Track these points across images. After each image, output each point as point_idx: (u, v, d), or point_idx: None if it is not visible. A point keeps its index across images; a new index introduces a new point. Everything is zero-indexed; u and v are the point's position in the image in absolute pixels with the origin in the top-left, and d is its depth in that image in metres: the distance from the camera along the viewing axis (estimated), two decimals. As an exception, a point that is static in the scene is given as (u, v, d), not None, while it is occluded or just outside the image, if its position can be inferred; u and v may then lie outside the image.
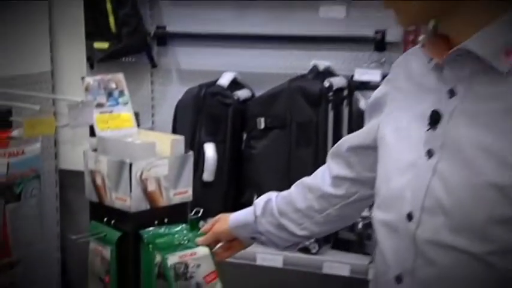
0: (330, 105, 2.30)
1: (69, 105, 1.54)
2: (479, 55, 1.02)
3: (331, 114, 2.31)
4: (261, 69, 2.55)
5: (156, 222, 1.46)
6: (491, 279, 1.01)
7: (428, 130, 1.07)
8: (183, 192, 1.50)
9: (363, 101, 2.35)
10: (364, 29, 2.38)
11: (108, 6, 2.51)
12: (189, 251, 1.44)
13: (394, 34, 2.36)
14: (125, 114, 1.54)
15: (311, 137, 2.30)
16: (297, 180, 2.49)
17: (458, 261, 1.02)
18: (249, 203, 1.55)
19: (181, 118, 2.47)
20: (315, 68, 2.40)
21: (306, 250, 2.24)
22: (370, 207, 1.85)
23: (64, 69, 2.46)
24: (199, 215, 1.53)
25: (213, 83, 2.48)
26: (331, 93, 2.30)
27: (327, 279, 2.39)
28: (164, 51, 2.71)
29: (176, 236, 1.44)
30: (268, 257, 2.27)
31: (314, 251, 2.25)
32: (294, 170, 2.32)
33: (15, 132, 1.61)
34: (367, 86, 2.33)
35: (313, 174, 1.40)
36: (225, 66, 2.53)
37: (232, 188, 2.45)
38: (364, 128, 1.28)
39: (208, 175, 2.40)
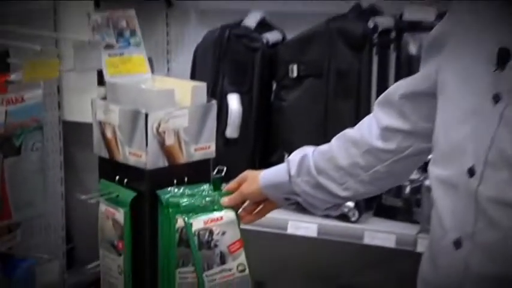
0: (375, 50, 2.28)
1: (74, 46, 1.55)
2: None
3: (375, 60, 2.29)
4: (293, 7, 2.53)
5: (175, 181, 1.48)
6: None
7: (495, 71, 1.06)
8: (206, 147, 1.51)
9: (413, 45, 2.33)
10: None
11: None
12: (214, 216, 1.46)
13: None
14: (137, 57, 1.54)
15: (352, 86, 2.29)
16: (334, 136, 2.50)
17: None
18: (279, 164, 1.57)
19: (200, 65, 2.47)
20: (357, 6, 2.38)
21: (344, 218, 2.25)
22: (421, 169, 1.86)
23: (68, 4, 2.45)
24: (223, 174, 1.55)
25: (238, 24, 2.46)
26: (376, 36, 2.28)
27: (368, 250, 2.41)
28: (181, -13, 2.71)
29: (199, 197, 1.46)
30: (301, 225, 2.29)
31: (354, 218, 2.26)
32: (331, 125, 2.31)
33: (13, 76, 1.61)
34: (419, 27, 2.30)
35: (357, 125, 1.41)
36: (252, 5, 2.51)
37: (260, 146, 2.46)
38: (420, 72, 1.28)
39: (232, 131, 2.41)
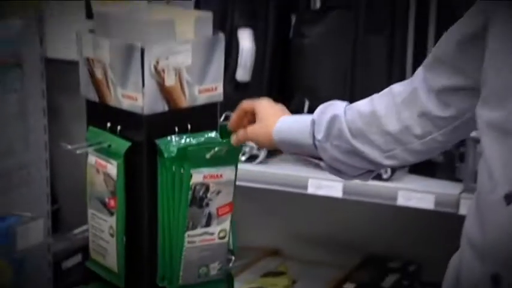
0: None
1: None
2: None
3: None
4: None
5: (176, 128, 1.48)
6: None
7: None
8: (212, 88, 1.51)
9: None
10: None
11: None
12: (215, 171, 1.47)
13: None
14: (132, -18, 1.55)
15: (385, 20, 2.26)
16: (364, 82, 2.50)
17: None
18: (298, 112, 1.56)
19: (206, -6, 2.45)
20: None
21: (375, 175, 2.24)
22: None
23: None
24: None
25: None
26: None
27: (402, 213, 2.41)
28: None
29: (204, 148, 1.46)
30: (323, 184, 2.30)
31: (386, 176, 2.26)
32: (361, 66, 2.30)
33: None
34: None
35: (408, 81, 1.38)
36: None
37: (275, 91, 2.45)
38: (466, 13, 1.26)
39: (243, 73, 2.40)
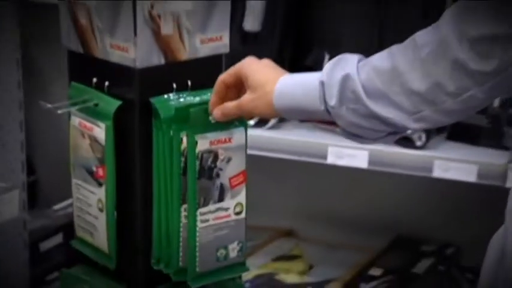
0: None
1: None
2: None
3: None
4: None
5: (174, 85, 1.48)
6: None
7: None
8: (216, 38, 1.51)
9: None
10: None
11: None
12: (223, 136, 1.47)
13: None
14: None
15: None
16: (395, 33, 2.49)
17: None
18: (317, 69, 1.54)
19: None
20: None
21: (406, 141, 2.25)
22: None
23: None
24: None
25: None
26: None
27: (438, 186, 2.42)
28: None
29: (205, 108, 1.46)
30: (345, 152, 2.30)
31: (419, 143, 2.25)
32: (391, 16, 2.30)
33: None
34: None
35: (434, 28, 1.36)
36: None
37: (290, 43, 2.45)
38: None
39: (252, 22, 2.40)
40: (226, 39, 1.52)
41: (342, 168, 2.33)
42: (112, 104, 1.46)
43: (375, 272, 2.54)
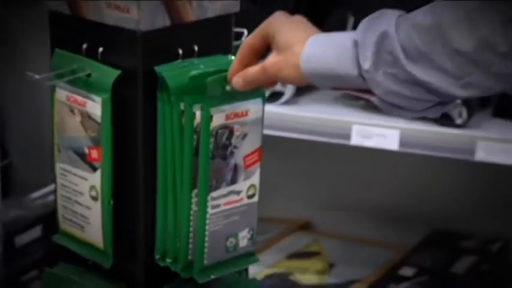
0: None
1: None
2: None
3: None
4: None
5: (180, 50, 1.49)
6: None
7: None
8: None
9: None
10: None
11: None
12: (239, 108, 1.48)
13: None
14: None
15: None
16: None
17: None
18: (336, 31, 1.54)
19: None
20: None
21: (444, 119, 2.26)
22: None
23: None
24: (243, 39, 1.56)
25: None
26: None
27: (482, 171, 2.42)
28: None
29: (223, 75, 1.46)
30: (373, 132, 2.31)
31: (460, 121, 2.26)
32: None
33: None
34: None
35: None
36: None
37: (308, 2, 2.46)
38: None
39: (263, -23, 2.41)
40: (237, -1, 1.54)
41: (368, 150, 2.34)
42: (109, 74, 1.46)
43: (406, 272, 2.55)
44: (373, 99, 1.44)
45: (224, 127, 1.47)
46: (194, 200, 1.48)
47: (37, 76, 1.47)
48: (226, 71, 1.47)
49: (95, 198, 1.51)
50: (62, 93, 1.52)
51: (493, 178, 2.52)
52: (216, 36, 1.54)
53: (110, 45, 1.48)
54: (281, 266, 2.60)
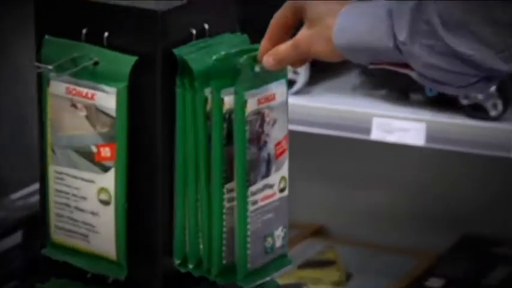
0: None
1: None
2: None
3: None
4: None
5: (193, 31, 1.50)
6: None
7: None
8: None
9: None
10: None
11: None
12: (267, 91, 1.50)
13: None
14: None
15: None
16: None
17: None
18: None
19: None
20: None
21: (476, 111, 2.28)
22: None
23: None
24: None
25: None
26: None
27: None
28: None
29: (253, 55, 1.48)
30: (395, 125, 2.32)
31: (495, 112, 2.29)
32: None
33: None
34: None
35: None
36: None
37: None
38: None
39: None
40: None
41: (390, 146, 2.36)
42: (123, 61, 1.46)
43: (434, 283, 2.56)
44: (411, 74, 1.47)
45: (257, 113, 1.49)
46: (226, 196, 1.49)
47: (49, 67, 1.47)
48: (250, 51, 1.49)
49: (105, 202, 1.50)
50: (60, 86, 1.51)
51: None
52: (224, 13, 1.56)
53: (117, 28, 1.49)
54: (292, 277, 2.61)
